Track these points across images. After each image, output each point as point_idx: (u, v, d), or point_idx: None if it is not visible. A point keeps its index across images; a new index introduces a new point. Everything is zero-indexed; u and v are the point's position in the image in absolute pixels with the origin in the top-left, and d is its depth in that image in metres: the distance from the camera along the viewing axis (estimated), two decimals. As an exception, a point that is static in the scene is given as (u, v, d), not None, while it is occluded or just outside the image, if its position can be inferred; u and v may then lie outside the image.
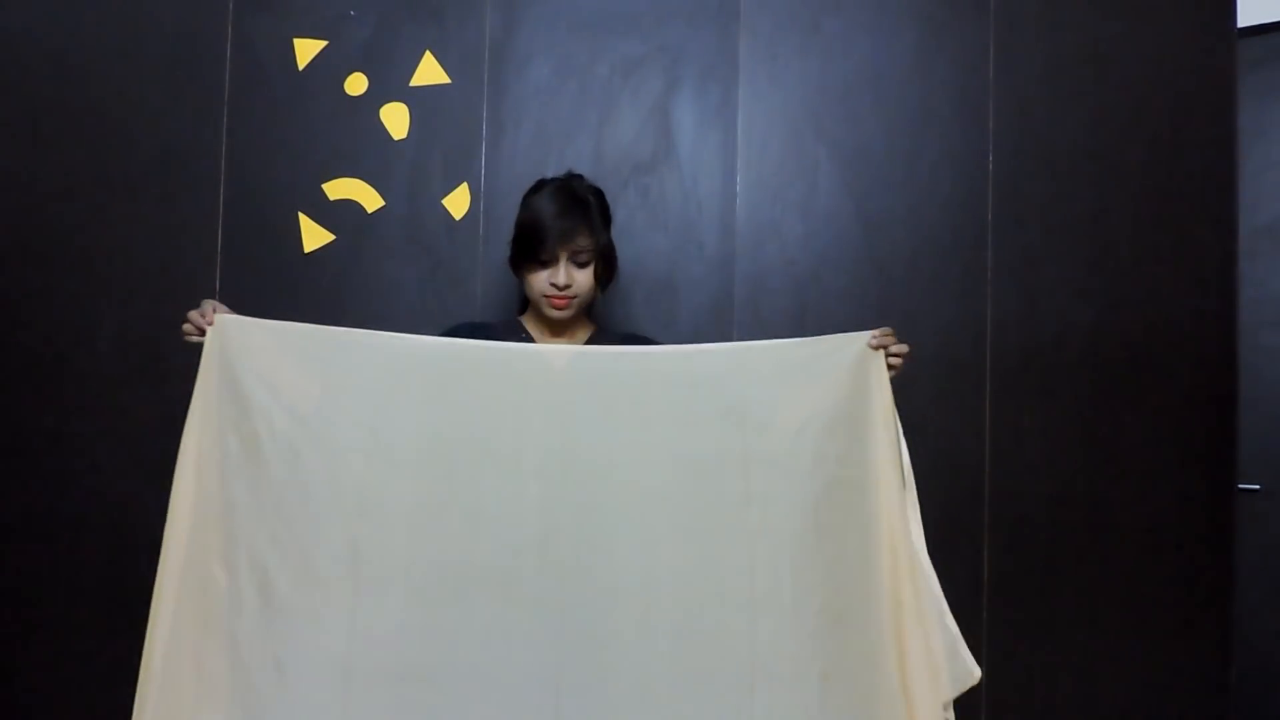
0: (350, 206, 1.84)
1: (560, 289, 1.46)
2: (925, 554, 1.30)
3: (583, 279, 1.48)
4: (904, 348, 1.33)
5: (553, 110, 1.86)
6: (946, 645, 1.28)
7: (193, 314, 1.31)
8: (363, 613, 1.27)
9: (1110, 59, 1.82)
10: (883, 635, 1.26)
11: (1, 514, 1.81)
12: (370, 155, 1.84)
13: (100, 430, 1.81)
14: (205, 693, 1.25)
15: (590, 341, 1.56)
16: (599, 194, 1.57)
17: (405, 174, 1.84)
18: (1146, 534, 1.76)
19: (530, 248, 1.47)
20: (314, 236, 1.84)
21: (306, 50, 1.85)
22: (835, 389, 1.32)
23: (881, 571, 1.27)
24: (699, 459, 1.31)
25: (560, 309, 1.48)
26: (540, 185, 1.56)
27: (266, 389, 1.29)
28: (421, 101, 1.85)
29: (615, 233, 1.58)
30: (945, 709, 1.28)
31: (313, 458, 1.29)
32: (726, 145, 1.84)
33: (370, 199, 1.84)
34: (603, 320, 1.72)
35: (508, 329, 1.58)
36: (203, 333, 1.30)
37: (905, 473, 1.31)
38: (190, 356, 1.31)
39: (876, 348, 1.32)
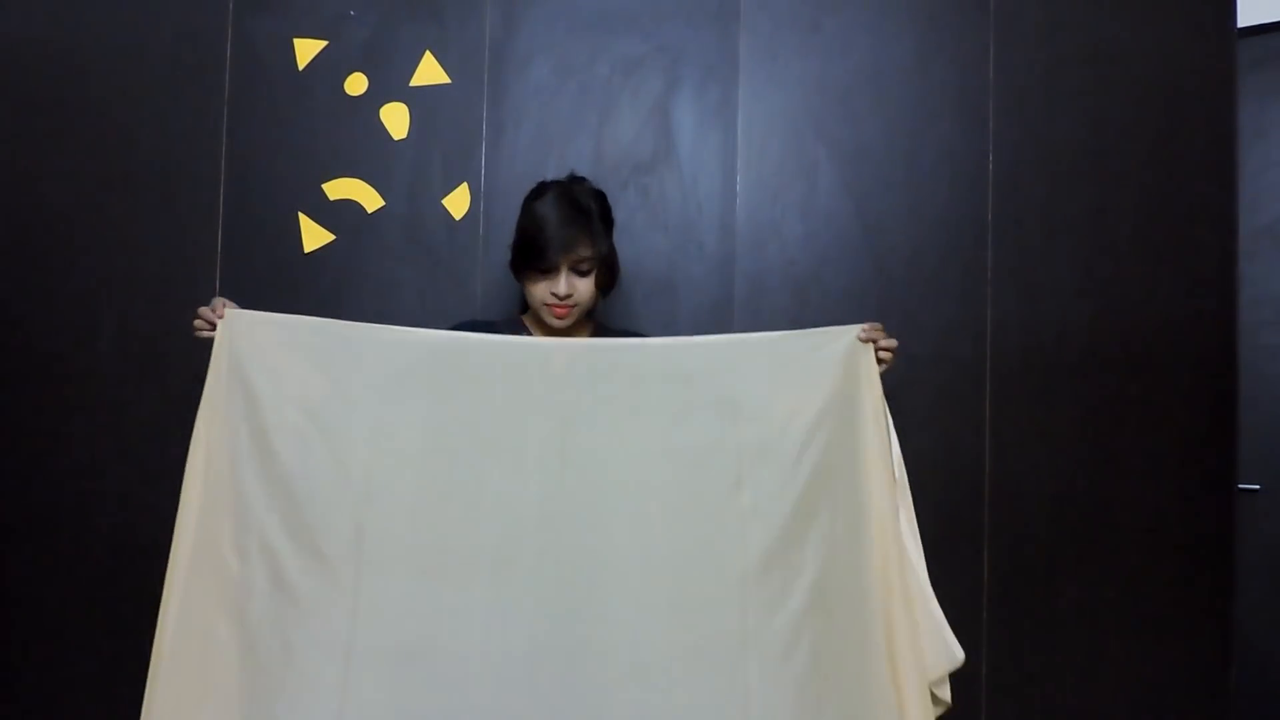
0: (350, 206, 1.84)
1: (561, 298, 1.46)
2: (915, 542, 1.34)
3: (584, 288, 1.48)
4: (893, 342, 1.36)
5: (553, 110, 1.86)
6: (931, 628, 1.32)
7: (203, 309, 1.35)
8: (365, 595, 1.31)
9: (1110, 59, 1.82)
10: (872, 612, 1.28)
11: (1, 514, 1.82)
12: (370, 155, 1.84)
13: (100, 430, 1.81)
14: (215, 672, 1.29)
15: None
16: (601, 199, 1.55)
17: (405, 174, 1.84)
18: (1146, 534, 1.76)
19: (531, 256, 1.46)
20: (314, 236, 1.84)
21: (306, 50, 1.85)
22: (826, 381, 1.35)
23: (871, 553, 1.29)
24: (693, 448, 1.36)
25: (561, 318, 1.49)
26: (542, 190, 1.54)
27: (275, 381, 1.33)
28: (421, 101, 1.85)
29: (615, 233, 1.58)
30: (939, 689, 1.32)
31: (320, 447, 1.33)
32: (726, 145, 1.84)
33: (370, 199, 1.85)
34: (603, 320, 1.72)
35: (510, 326, 1.59)
36: (213, 327, 1.34)
37: (896, 463, 1.34)
38: (190, 356, 1.32)
39: (866, 341, 1.35)
